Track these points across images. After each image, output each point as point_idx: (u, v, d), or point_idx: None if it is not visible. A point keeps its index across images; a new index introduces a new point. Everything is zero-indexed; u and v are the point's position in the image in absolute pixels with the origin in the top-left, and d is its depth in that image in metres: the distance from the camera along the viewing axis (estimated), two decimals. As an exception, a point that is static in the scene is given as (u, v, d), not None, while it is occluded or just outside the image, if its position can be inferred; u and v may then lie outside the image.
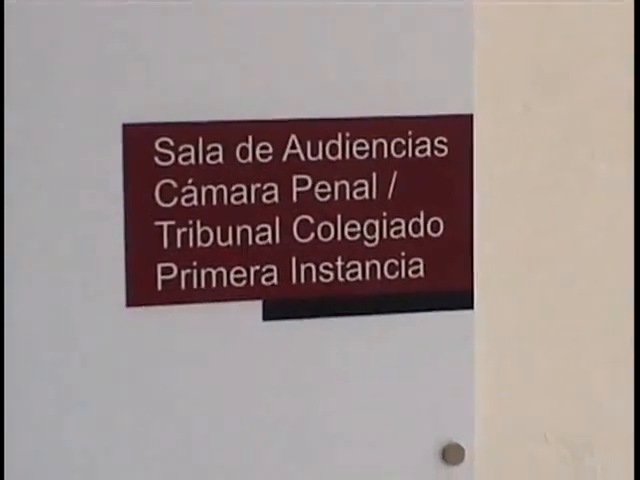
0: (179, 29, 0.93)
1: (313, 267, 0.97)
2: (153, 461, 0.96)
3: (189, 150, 0.93)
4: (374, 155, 0.98)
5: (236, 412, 0.97)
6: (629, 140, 1.08)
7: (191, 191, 0.93)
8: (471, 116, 0.98)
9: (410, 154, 0.98)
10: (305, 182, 0.95)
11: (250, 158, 0.94)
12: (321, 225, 0.97)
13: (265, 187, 0.94)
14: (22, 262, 0.90)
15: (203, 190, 0.94)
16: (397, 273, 0.99)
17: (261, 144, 0.95)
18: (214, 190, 0.94)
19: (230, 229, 0.96)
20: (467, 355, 1.02)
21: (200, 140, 0.93)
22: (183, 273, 0.94)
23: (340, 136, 0.96)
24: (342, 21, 0.98)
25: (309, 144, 0.95)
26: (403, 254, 0.99)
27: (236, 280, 0.95)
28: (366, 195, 0.97)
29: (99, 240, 0.92)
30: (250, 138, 0.94)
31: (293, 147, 0.96)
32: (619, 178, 1.08)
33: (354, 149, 0.97)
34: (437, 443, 1.01)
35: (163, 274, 0.94)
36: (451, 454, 0.99)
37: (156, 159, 0.93)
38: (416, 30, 0.99)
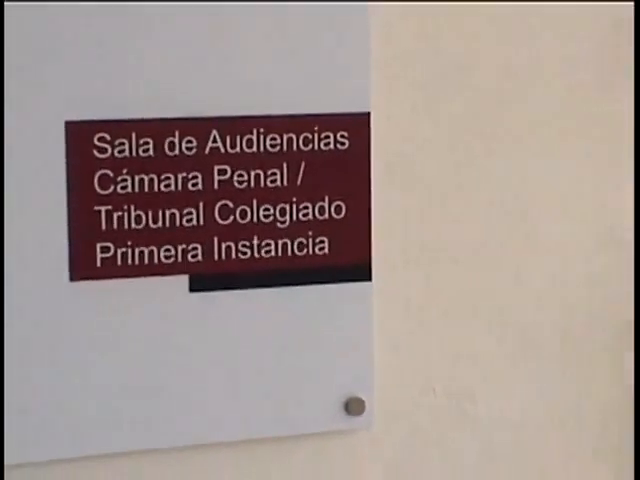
0: (114, 35, 1.00)
1: (232, 245, 1.04)
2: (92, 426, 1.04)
3: (124, 144, 1.00)
4: (285, 148, 1.05)
5: (170, 370, 1.05)
6: (521, 136, 1.18)
7: (125, 180, 1.00)
8: (368, 113, 1.07)
9: (316, 147, 1.06)
10: (225, 172, 1.03)
11: (177, 151, 1.02)
12: (239, 209, 1.05)
13: (190, 176, 1.02)
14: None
15: (136, 179, 1.01)
16: (305, 250, 1.07)
17: (186, 139, 1.02)
18: (146, 179, 1.01)
19: (160, 213, 1.03)
20: (366, 321, 1.10)
21: (133, 135, 1.00)
22: (119, 251, 1.01)
23: (255, 131, 1.04)
24: (258, 28, 1.05)
25: (228, 138, 1.03)
26: (310, 234, 1.07)
27: (165, 257, 1.02)
28: (278, 183, 1.05)
29: (45, 224, 0.99)
30: (177, 133, 1.02)
31: (214, 141, 1.03)
32: (511, 173, 1.17)
33: (267, 143, 1.05)
34: (341, 397, 1.10)
35: (102, 252, 1.00)
36: (353, 406, 1.08)
37: (95, 152, 0.99)
38: (321, 39, 1.07)
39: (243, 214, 1.06)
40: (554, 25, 1.17)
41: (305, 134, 1.07)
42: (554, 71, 1.18)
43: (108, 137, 1.00)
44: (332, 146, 1.08)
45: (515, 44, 1.16)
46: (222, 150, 1.05)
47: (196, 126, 1.03)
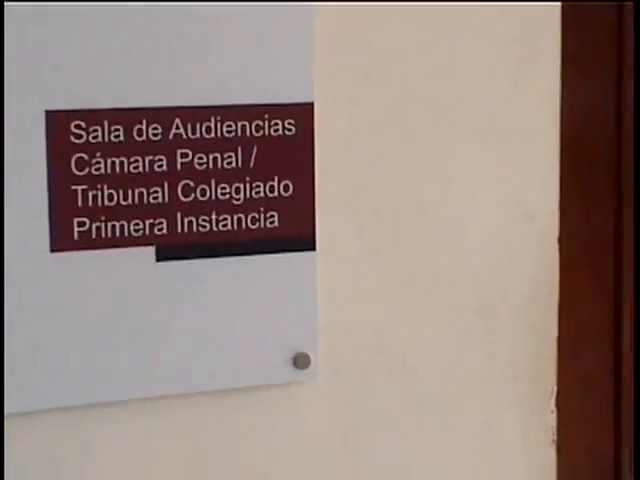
0: (88, 34, 1.09)
1: (193, 220, 1.14)
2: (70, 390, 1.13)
3: (97, 131, 1.09)
4: (239, 134, 1.14)
5: (137, 328, 1.15)
6: (448, 123, 1.28)
7: (99, 162, 1.09)
8: (312, 103, 1.17)
9: (266, 133, 1.16)
10: (186, 155, 1.12)
11: (144, 137, 1.11)
12: (199, 188, 1.14)
13: (156, 159, 1.11)
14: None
15: (108, 162, 1.10)
16: (257, 224, 1.16)
17: (152, 126, 1.11)
18: (117, 161, 1.10)
19: (129, 191, 1.12)
20: (311, 287, 1.20)
21: (105, 123, 1.09)
22: (94, 226, 1.10)
23: (213, 119, 1.13)
24: (213, 28, 1.15)
25: (189, 126, 1.12)
26: (262, 209, 1.17)
27: (134, 230, 1.12)
28: (233, 165, 1.14)
29: (28, 201, 1.08)
30: (144, 121, 1.11)
31: (177, 128, 1.12)
32: (440, 155, 1.28)
33: (224, 129, 1.14)
34: (289, 352, 1.20)
35: (78, 227, 1.10)
36: (300, 361, 1.19)
37: (71, 138, 1.08)
38: (270, 38, 1.17)
39: (203, 192, 1.15)
40: (474, 27, 1.28)
41: (257, 122, 1.16)
42: (473, 69, 1.28)
43: (83, 124, 1.09)
44: (280, 132, 1.17)
45: (441, 45, 1.26)
46: (184, 136, 1.13)
47: (161, 115, 1.12)
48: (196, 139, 1.16)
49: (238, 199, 1.18)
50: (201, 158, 1.16)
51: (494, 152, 1.32)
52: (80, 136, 1.11)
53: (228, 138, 1.16)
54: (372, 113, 1.26)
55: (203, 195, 1.16)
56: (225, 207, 1.18)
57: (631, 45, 1.38)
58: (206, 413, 1.22)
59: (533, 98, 1.32)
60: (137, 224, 1.14)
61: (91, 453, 1.17)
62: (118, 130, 1.12)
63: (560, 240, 1.35)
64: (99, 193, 1.12)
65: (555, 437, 1.37)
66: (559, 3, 1.30)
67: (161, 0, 1.12)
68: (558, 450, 1.38)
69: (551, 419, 1.37)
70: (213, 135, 1.16)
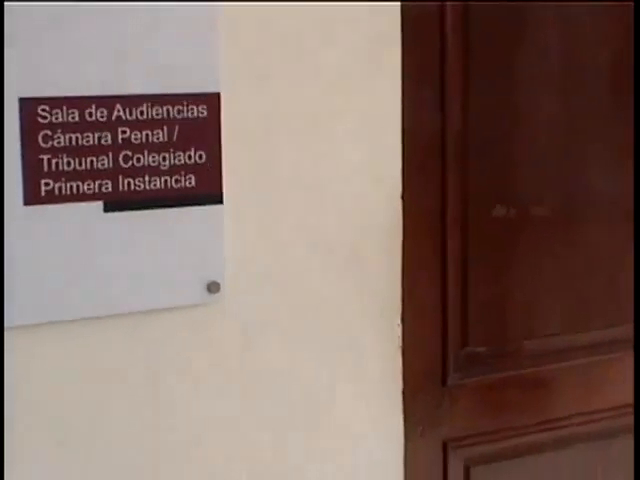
0: (50, 31, 1.24)
1: (132, 181, 1.32)
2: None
3: (58, 113, 1.27)
4: (165, 116, 1.33)
5: (89, 263, 1.32)
6: (321, 113, 1.46)
7: (59, 137, 1.27)
8: (218, 93, 1.37)
9: (185, 115, 1.35)
10: (125, 132, 1.31)
11: (94, 118, 1.29)
12: (135, 157, 1.32)
13: (103, 135, 1.30)
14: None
15: (66, 137, 1.28)
16: (179, 184, 1.35)
17: (100, 110, 1.29)
18: (73, 137, 1.28)
19: (83, 159, 1.29)
20: (220, 231, 1.39)
21: (64, 107, 1.27)
22: (56, 185, 1.28)
23: (145, 105, 1.32)
24: (145, 31, 1.31)
25: (127, 109, 1.31)
26: (182, 173, 1.35)
27: (87, 189, 1.30)
28: (161, 139, 1.33)
29: (8, 168, 1.26)
30: (93, 106, 1.29)
31: (118, 111, 1.30)
32: (316, 130, 1.48)
33: (153, 112, 1.32)
34: (204, 281, 1.40)
35: (44, 186, 1.27)
36: (212, 287, 1.39)
37: (38, 118, 1.26)
38: (190, 41, 1.34)
39: (138, 160, 1.34)
40: (335, 36, 1.48)
41: (178, 107, 1.35)
42: (341, 70, 1.51)
43: (47, 108, 1.27)
44: (196, 115, 1.37)
45: (315, 41, 1.47)
46: (123, 117, 1.32)
47: (106, 101, 1.31)
48: (132, 120, 1.34)
49: (165, 165, 1.36)
50: (136, 134, 1.34)
51: (355, 135, 1.53)
52: (45, 117, 1.28)
53: (157, 119, 1.35)
54: (265, 101, 1.46)
55: (138, 162, 1.34)
56: (155, 171, 1.36)
57: (456, 58, 1.62)
58: (146, 326, 1.40)
59: (381, 96, 1.55)
60: (89, 184, 1.32)
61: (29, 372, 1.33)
62: (74, 113, 1.30)
63: (403, 197, 1.59)
64: (60, 161, 1.30)
65: (401, 344, 1.61)
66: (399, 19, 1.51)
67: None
68: (403, 353, 1.62)
69: (398, 330, 1.61)
70: (145, 117, 1.34)
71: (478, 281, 1.78)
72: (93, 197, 1.34)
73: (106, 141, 1.33)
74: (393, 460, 1.64)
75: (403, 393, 1.64)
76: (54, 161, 1.30)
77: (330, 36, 1.48)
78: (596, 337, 1.92)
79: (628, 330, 1.90)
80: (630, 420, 1.88)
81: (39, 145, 1.29)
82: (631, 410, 1.89)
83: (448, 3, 1.63)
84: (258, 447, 1.51)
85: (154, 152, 1.36)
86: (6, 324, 1.28)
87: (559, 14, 1.79)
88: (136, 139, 1.35)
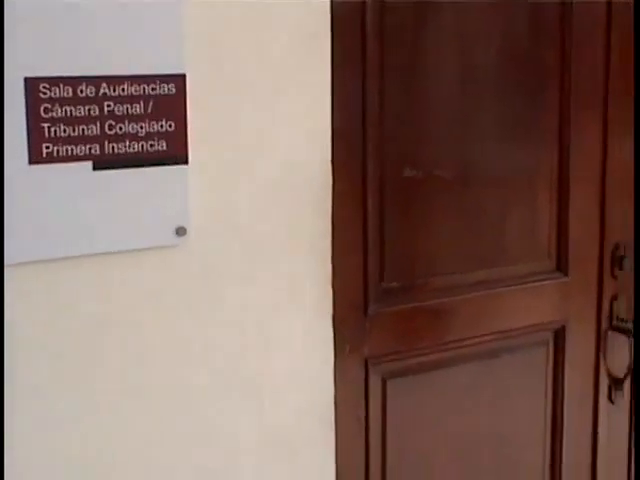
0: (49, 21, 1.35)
1: (115, 145, 1.44)
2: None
3: (55, 90, 1.38)
4: (142, 92, 1.45)
5: (79, 208, 1.43)
6: (259, 100, 1.57)
7: (57, 109, 1.39)
8: (184, 74, 1.48)
9: (158, 92, 1.47)
10: (110, 105, 1.43)
11: (84, 94, 1.41)
12: (118, 125, 1.44)
13: (92, 107, 1.42)
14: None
15: (63, 109, 1.39)
16: (154, 148, 1.47)
17: (89, 87, 1.41)
18: (67, 109, 1.40)
19: (76, 127, 1.41)
20: (185, 184, 1.50)
21: (61, 85, 1.39)
22: (54, 148, 1.40)
23: (126, 83, 1.44)
24: (128, 26, 1.42)
25: (111, 87, 1.43)
26: (156, 139, 1.47)
27: (79, 152, 1.42)
28: (139, 111, 1.46)
29: (16, 134, 1.38)
30: (84, 84, 1.41)
31: (104, 89, 1.43)
32: (259, 115, 1.59)
33: (132, 90, 1.45)
34: (173, 226, 1.52)
35: (45, 149, 1.39)
36: (180, 231, 1.52)
37: (40, 94, 1.37)
38: (162, 33, 1.44)
39: (120, 128, 1.46)
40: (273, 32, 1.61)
41: (152, 85, 1.48)
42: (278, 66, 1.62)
43: (47, 85, 1.39)
44: (167, 91, 1.50)
45: (263, 32, 1.59)
46: (108, 94, 1.45)
47: (94, 81, 1.43)
48: (116, 95, 1.46)
49: (142, 133, 1.49)
50: (119, 107, 1.47)
51: (295, 107, 1.66)
52: (45, 93, 1.40)
53: (135, 95, 1.48)
54: (221, 81, 1.57)
55: (120, 130, 1.47)
56: (135, 137, 1.48)
57: (374, 48, 1.76)
58: (127, 262, 1.51)
59: (315, 80, 1.66)
60: (80, 148, 1.44)
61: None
62: (68, 90, 1.42)
63: (332, 160, 1.72)
64: (57, 129, 1.42)
65: (331, 279, 1.74)
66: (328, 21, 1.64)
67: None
68: (333, 286, 1.76)
69: (329, 267, 1.74)
70: (126, 93, 1.47)
71: (392, 229, 1.90)
72: (84, 158, 1.46)
73: (94, 113, 1.45)
74: (326, 372, 1.76)
75: (333, 319, 1.77)
76: (53, 129, 1.43)
77: (275, 28, 1.62)
78: (484, 275, 2.06)
79: (510, 271, 2.09)
80: (510, 342, 2.09)
81: (40, 116, 1.41)
82: (512, 334, 2.10)
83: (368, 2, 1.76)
84: (218, 358, 1.63)
85: (133, 122, 1.49)
86: (7, 262, 1.39)
87: (456, 15, 1.94)
88: (118, 111, 1.47)
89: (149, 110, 1.50)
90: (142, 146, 1.50)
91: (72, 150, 1.45)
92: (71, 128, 1.44)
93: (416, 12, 1.87)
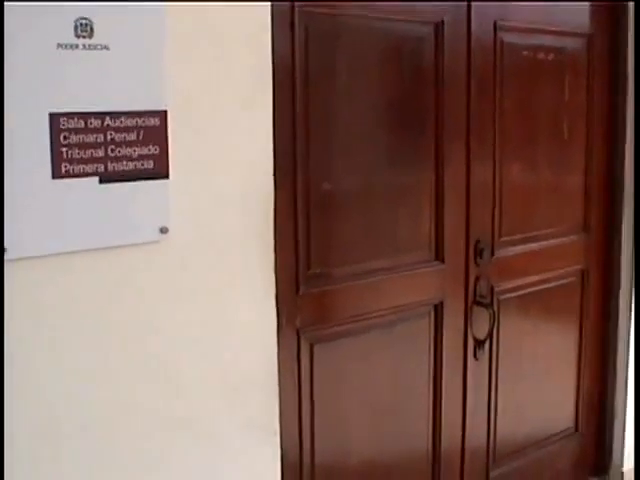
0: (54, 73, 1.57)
1: (116, 164, 1.61)
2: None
3: (70, 122, 1.55)
4: (136, 124, 1.62)
5: (88, 211, 1.60)
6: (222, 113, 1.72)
7: (73, 137, 1.56)
8: (165, 110, 1.65)
9: (147, 124, 1.63)
10: (112, 134, 1.60)
11: (92, 125, 1.58)
12: (117, 149, 1.60)
13: (98, 136, 1.59)
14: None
15: (77, 137, 1.56)
16: (144, 166, 1.64)
17: (97, 120, 1.57)
18: (80, 137, 1.56)
19: (86, 150, 1.57)
20: (166, 194, 1.67)
21: (75, 118, 1.56)
22: (70, 167, 1.56)
23: (124, 117, 1.60)
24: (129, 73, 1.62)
25: (113, 120, 1.60)
26: (145, 159, 1.64)
27: (89, 169, 1.59)
28: (134, 138, 1.63)
29: (41, 155, 1.53)
30: (92, 117, 1.58)
31: (107, 121, 1.60)
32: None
33: (128, 122, 1.62)
34: (158, 226, 1.68)
35: (64, 167, 1.56)
36: (163, 230, 1.68)
37: (60, 126, 1.55)
38: (147, 77, 1.63)
39: (119, 151, 1.64)
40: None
41: (143, 118, 1.66)
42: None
43: (66, 119, 1.58)
44: (153, 124, 1.68)
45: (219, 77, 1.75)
46: (111, 125, 1.63)
47: (99, 115, 1.61)
48: (116, 126, 1.65)
49: (135, 155, 1.68)
50: (118, 136, 1.65)
51: (247, 134, 1.82)
52: (64, 125, 1.59)
53: (130, 126, 1.67)
54: (193, 116, 1.73)
55: (119, 153, 1.65)
56: (130, 158, 1.67)
57: (302, 88, 1.97)
58: (121, 254, 1.66)
59: (257, 125, 1.83)
60: (90, 166, 1.62)
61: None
62: (81, 122, 1.61)
63: (274, 177, 1.89)
64: (72, 152, 1.60)
65: (273, 266, 1.89)
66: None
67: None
68: (275, 272, 1.91)
69: (272, 258, 1.90)
70: (124, 125, 1.65)
71: (315, 229, 2.08)
72: (92, 174, 1.63)
73: (100, 139, 1.63)
74: (271, 337, 1.93)
75: (276, 297, 1.93)
76: (69, 152, 1.60)
77: (231, 80, 1.80)
78: (382, 264, 2.25)
79: (401, 260, 2.29)
80: (402, 315, 2.28)
81: (60, 142, 1.59)
82: (403, 309, 2.30)
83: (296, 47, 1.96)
84: (194, 326, 1.81)
85: (128, 147, 1.67)
86: (22, 255, 1.53)
87: (359, 70, 2.13)
88: (118, 139, 1.65)
89: (140, 137, 1.68)
90: (135, 165, 1.68)
91: (83, 168, 1.62)
92: (83, 151, 1.62)
93: (330, 68, 2.06)
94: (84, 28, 1.59)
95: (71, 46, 1.56)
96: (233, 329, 1.86)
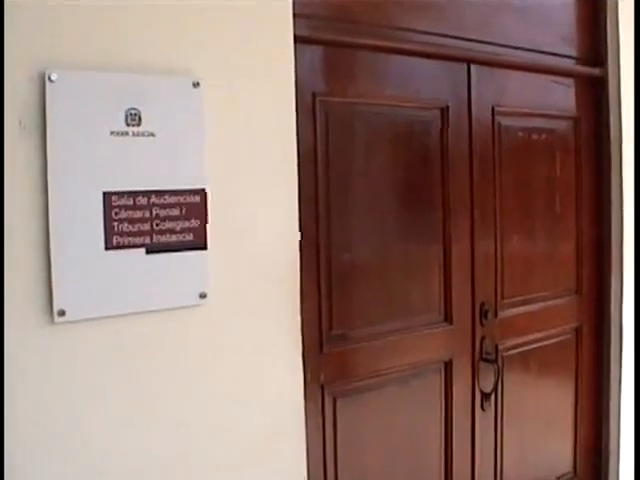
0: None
1: (160, 237, 1.58)
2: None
3: (122, 199, 1.54)
4: (177, 201, 1.60)
5: (133, 280, 1.60)
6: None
7: (122, 213, 1.55)
8: (204, 188, 1.62)
9: (188, 200, 1.60)
10: (157, 210, 1.59)
11: (140, 203, 1.56)
12: (162, 224, 1.58)
13: (145, 212, 1.58)
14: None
15: (126, 213, 1.55)
16: (186, 238, 1.62)
17: (144, 198, 1.55)
18: (130, 213, 1.55)
19: (135, 225, 1.56)
20: (205, 264, 1.63)
21: (125, 196, 1.54)
22: (121, 239, 1.55)
23: (167, 195, 1.59)
24: (169, 156, 1.62)
25: (158, 197, 1.58)
26: (187, 232, 1.62)
27: (137, 241, 1.56)
28: (177, 214, 1.60)
29: (96, 229, 1.54)
30: (140, 196, 1.56)
31: (152, 198, 1.57)
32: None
33: (171, 199, 1.60)
34: (198, 291, 1.64)
35: (115, 240, 1.55)
36: (202, 295, 1.65)
37: (112, 203, 1.54)
38: (190, 161, 1.67)
39: (163, 225, 1.63)
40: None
41: (185, 196, 1.64)
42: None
43: (117, 197, 1.57)
44: (193, 200, 1.65)
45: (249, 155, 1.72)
46: (156, 202, 1.61)
47: (146, 194, 1.60)
48: (160, 203, 1.63)
49: (178, 228, 1.66)
50: (162, 212, 1.64)
51: (275, 205, 1.82)
52: (115, 202, 1.58)
53: (173, 203, 1.65)
54: (230, 193, 1.71)
55: (164, 226, 1.64)
56: (173, 231, 1.65)
57: (323, 164, 1.97)
58: (168, 317, 1.63)
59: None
60: (138, 239, 1.61)
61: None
62: (130, 200, 1.60)
63: (300, 245, 1.83)
64: (123, 226, 1.60)
65: (300, 328, 1.84)
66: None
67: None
68: (302, 333, 1.83)
69: (299, 320, 1.83)
70: (167, 202, 1.64)
71: (336, 295, 2.04)
72: (140, 246, 1.62)
73: (147, 215, 1.63)
74: (299, 392, 1.87)
75: (303, 355, 1.87)
76: (120, 226, 1.60)
77: (259, 160, 1.78)
78: (397, 325, 2.20)
79: (414, 321, 2.22)
80: (415, 371, 2.19)
81: (112, 217, 1.59)
82: (416, 365, 2.20)
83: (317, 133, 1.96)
84: (229, 378, 1.75)
85: (172, 221, 1.66)
86: (75, 317, 1.52)
87: (373, 151, 2.09)
88: (163, 214, 1.64)
89: (183, 213, 1.67)
90: (177, 237, 1.66)
91: (132, 240, 1.61)
92: (132, 225, 1.61)
93: (347, 150, 2.04)
94: (133, 117, 1.60)
95: (122, 133, 1.57)
96: (264, 385, 1.81)
